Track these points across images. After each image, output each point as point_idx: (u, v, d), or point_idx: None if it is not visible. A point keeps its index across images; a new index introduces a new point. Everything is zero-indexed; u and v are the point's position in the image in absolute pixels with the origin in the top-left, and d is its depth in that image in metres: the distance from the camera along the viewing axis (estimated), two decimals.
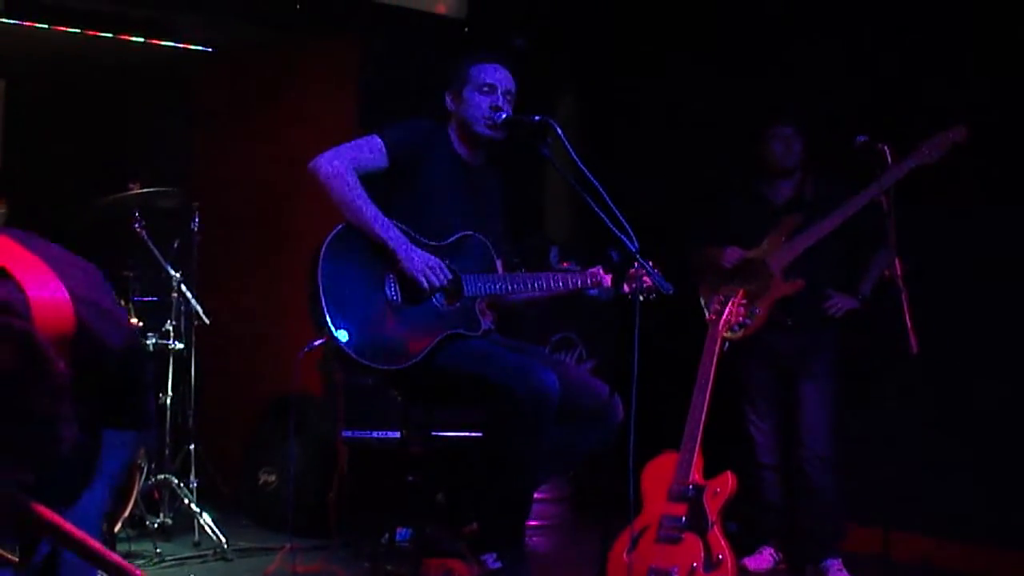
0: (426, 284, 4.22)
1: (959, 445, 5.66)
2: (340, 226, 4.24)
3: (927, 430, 5.66)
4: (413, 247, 4.23)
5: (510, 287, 4.42)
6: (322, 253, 4.15)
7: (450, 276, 4.28)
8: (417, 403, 4.60)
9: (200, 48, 7.51)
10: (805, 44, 6.32)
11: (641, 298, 4.22)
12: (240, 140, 7.50)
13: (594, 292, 4.42)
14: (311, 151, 4.36)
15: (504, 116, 4.42)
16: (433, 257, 4.25)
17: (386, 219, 4.24)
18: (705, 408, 4.78)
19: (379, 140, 4.36)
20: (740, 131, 5.86)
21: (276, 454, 6.33)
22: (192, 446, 6.13)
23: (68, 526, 2.29)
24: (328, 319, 4.07)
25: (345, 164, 4.26)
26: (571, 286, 4.45)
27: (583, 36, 7.40)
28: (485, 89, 4.47)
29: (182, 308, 6.11)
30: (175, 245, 6.17)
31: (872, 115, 5.66)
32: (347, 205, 4.23)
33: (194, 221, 6.18)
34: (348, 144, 4.35)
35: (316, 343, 5.18)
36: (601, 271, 4.46)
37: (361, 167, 4.29)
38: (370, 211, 4.22)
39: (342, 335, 4.09)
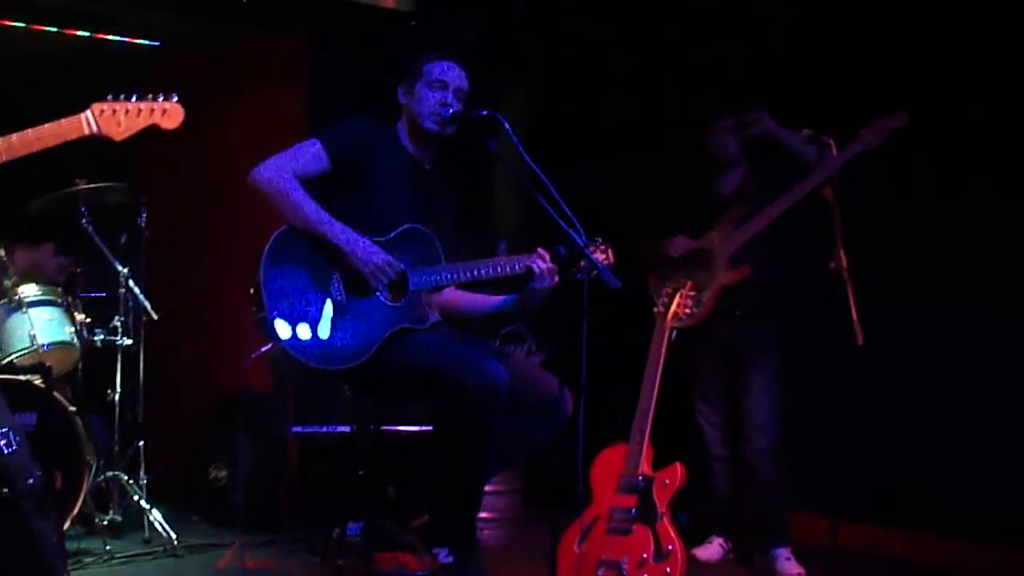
0: (373, 281, 4.21)
1: (905, 435, 5.70)
2: (280, 229, 4.21)
3: (873, 421, 5.70)
4: (358, 240, 4.20)
5: (454, 276, 4.40)
6: (263, 258, 4.12)
7: (398, 269, 4.26)
8: (367, 398, 4.59)
9: (146, 43, 7.44)
10: (752, 37, 6.34)
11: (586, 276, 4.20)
12: (188, 135, 7.42)
13: (539, 284, 4.38)
14: (260, 146, 4.33)
15: (452, 111, 4.41)
16: (380, 250, 4.23)
17: (329, 216, 4.21)
18: (654, 399, 4.78)
19: (318, 143, 4.33)
20: (690, 124, 5.87)
21: (226, 450, 6.30)
22: (141, 442, 6.08)
23: None
24: (273, 324, 4.05)
25: (285, 171, 4.24)
26: (516, 268, 4.42)
27: (531, 30, 7.40)
28: (436, 85, 4.46)
29: (130, 304, 6.06)
30: (123, 240, 6.12)
31: (819, 108, 5.68)
32: (289, 210, 4.20)
33: (142, 217, 6.13)
34: (287, 151, 4.33)
35: (264, 348, 5.16)
36: (543, 250, 4.42)
37: (302, 172, 4.27)
38: (312, 211, 4.20)
39: (288, 339, 4.06)
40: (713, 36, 6.52)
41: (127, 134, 3.94)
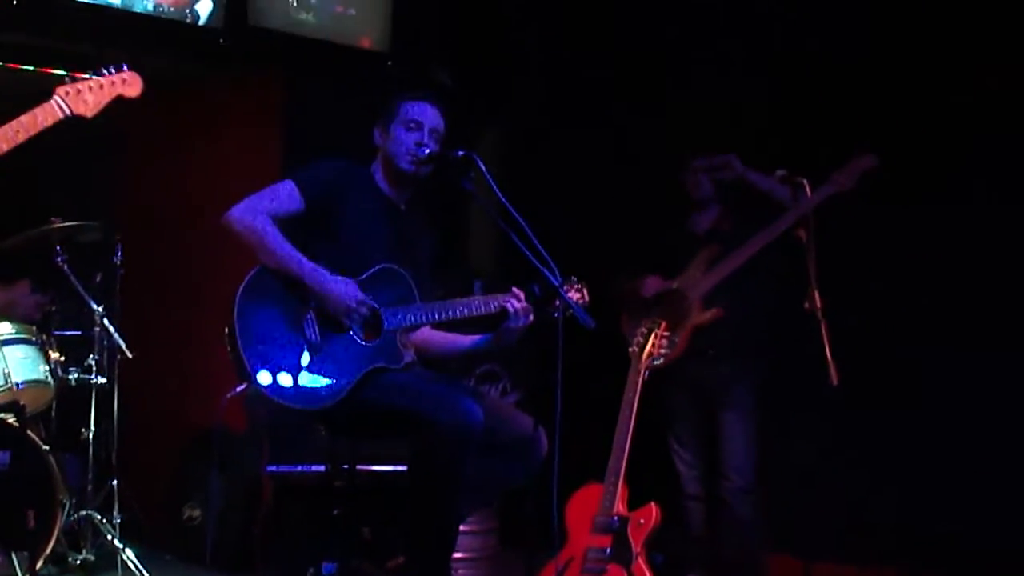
0: (346, 321, 4.20)
1: (879, 473, 5.72)
2: (255, 270, 4.20)
3: (847, 459, 5.71)
4: (331, 279, 4.20)
5: (429, 316, 4.40)
6: (237, 300, 4.10)
7: (372, 309, 4.26)
8: (342, 437, 4.58)
9: None
10: (731, 79, 6.39)
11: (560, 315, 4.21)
12: (164, 174, 7.43)
13: (514, 323, 4.39)
14: (235, 185, 4.34)
15: (428, 151, 4.42)
16: (354, 290, 4.22)
17: (302, 257, 4.21)
18: (629, 439, 4.79)
19: (292, 184, 4.34)
20: (663, 164, 5.90)
21: (200, 489, 6.26)
22: (115, 481, 6.04)
23: None
24: (247, 365, 4.04)
25: (259, 211, 4.24)
26: (491, 308, 4.42)
27: (506, 71, 7.43)
28: (412, 126, 4.47)
29: (105, 342, 6.04)
30: (97, 279, 6.10)
31: (793, 150, 5.72)
32: (263, 250, 4.20)
33: (117, 255, 6.12)
34: (261, 192, 4.32)
35: (239, 388, 5.14)
36: (517, 290, 4.43)
37: (276, 212, 4.27)
38: (286, 251, 4.20)
39: (263, 380, 4.05)
40: (685, 77, 6.57)
41: (97, 109, 4.19)
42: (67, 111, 4.12)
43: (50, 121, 4.07)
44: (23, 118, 4.02)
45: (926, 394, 5.60)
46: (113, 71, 4.24)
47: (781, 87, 6.14)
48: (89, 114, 4.18)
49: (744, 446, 5.48)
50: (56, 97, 4.10)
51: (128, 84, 4.28)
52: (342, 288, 4.20)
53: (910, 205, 5.63)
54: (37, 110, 4.07)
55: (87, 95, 4.14)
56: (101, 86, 4.21)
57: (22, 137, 4.02)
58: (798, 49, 6.11)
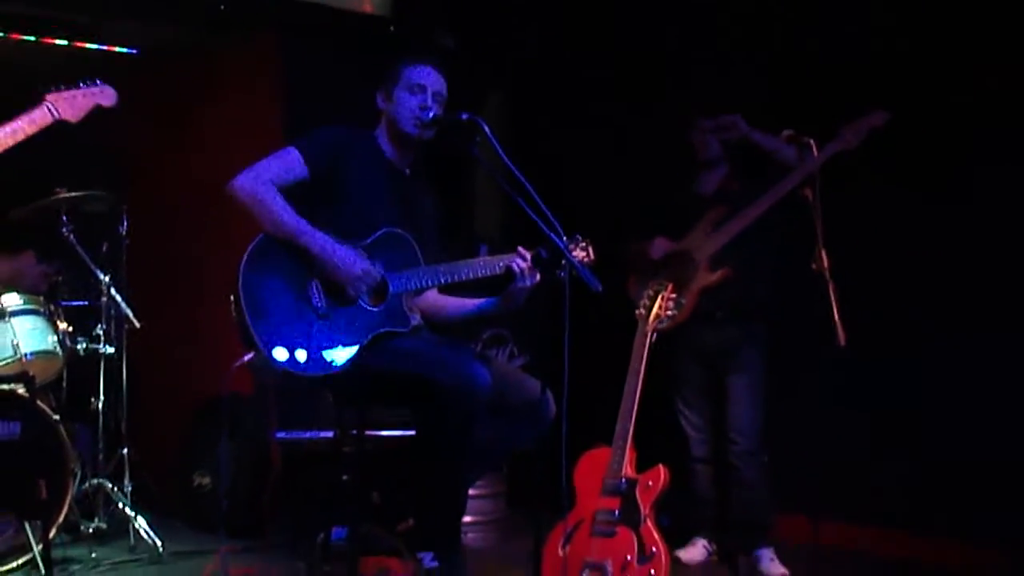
0: (351, 290, 4.20)
1: (886, 434, 5.72)
2: (258, 238, 4.17)
3: (854, 420, 5.71)
4: (336, 246, 4.18)
5: (434, 279, 4.39)
6: (241, 270, 4.07)
7: (377, 277, 4.26)
8: (350, 403, 4.58)
9: (125, 51, 7.42)
10: (735, 37, 6.35)
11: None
12: (168, 142, 7.43)
13: (520, 283, 4.38)
14: (238, 153, 4.33)
15: (432, 115, 4.40)
16: (359, 259, 4.22)
17: (308, 224, 4.19)
18: (636, 402, 4.79)
19: (295, 151, 4.32)
20: (671, 125, 5.88)
21: (209, 456, 6.29)
22: (125, 450, 6.07)
23: None
24: (258, 340, 4.02)
25: (263, 180, 4.22)
26: (496, 269, 4.41)
27: (509, 34, 7.39)
28: (415, 89, 4.45)
29: (112, 312, 6.05)
30: (104, 248, 6.10)
31: (799, 109, 5.69)
32: (267, 218, 4.18)
33: (123, 224, 6.12)
34: (264, 160, 4.30)
35: (246, 357, 5.14)
36: (523, 250, 4.41)
37: (279, 180, 4.25)
38: (289, 219, 4.18)
39: (280, 356, 4.02)
40: (696, 35, 6.53)
41: (80, 115, 4.67)
42: (57, 115, 4.59)
43: (43, 125, 4.55)
44: (18, 123, 4.49)
45: (934, 355, 5.59)
46: (92, 84, 4.73)
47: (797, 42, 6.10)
48: (74, 120, 4.65)
49: (751, 409, 5.49)
50: (47, 103, 4.57)
51: (104, 95, 4.77)
52: (347, 257, 4.18)
53: (920, 163, 5.61)
54: (32, 114, 4.54)
55: (72, 102, 4.64)
56: (84, 95, 4.68)
57: (20, 138, 4.48)
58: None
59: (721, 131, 5.53)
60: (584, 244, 4.54)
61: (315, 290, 4.18)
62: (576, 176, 6.74)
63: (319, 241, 4.18)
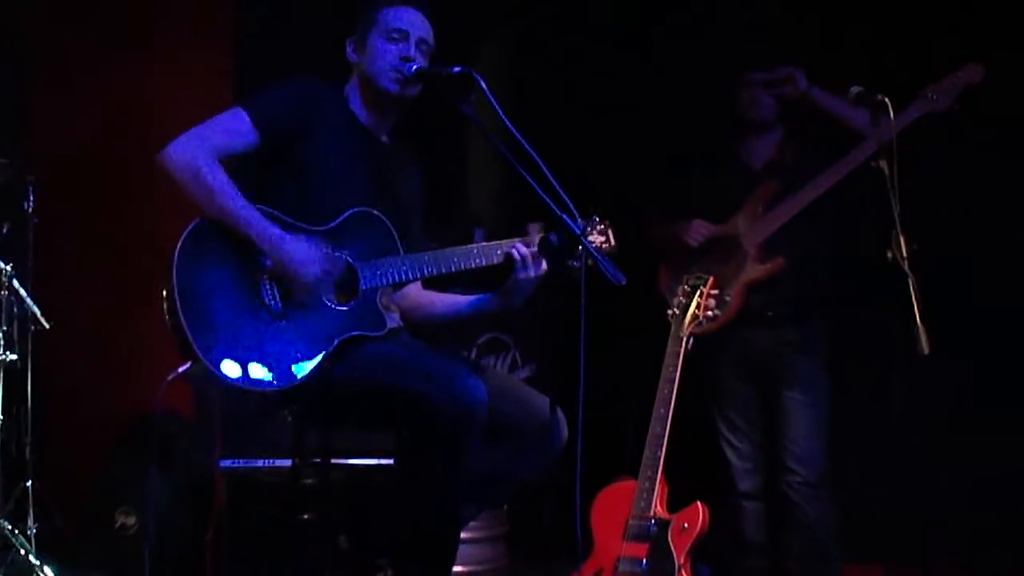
0: (306, 297, 4.16)
1: (981, 464, 5.73)
2: (194, 223, 4.11)
3: (934, 447, 5.71)
4: (285, 237, 4.14)
5: (416, 271, 4.37)
6: (175, 258, 4.01)
7: (340, 271, 4.23)
8: (312, 424, 4.58)
9: None
10: None
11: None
12: (89, 98, 7.40)
13: (522, 274, 4.38)
14: (174, 111, 4.32)
15: (416, 67, 4.39)
16: (317, 255, 4.19)
17: (252, 208, 4.14)
18: (668, 424, 4.80)
19: (244, 113, 4.27)
20: (707, 81, 5.88)
21: (136, 490, 6.27)
22: (29, 483, 6.06)
23: None
24: (192, 339, 3.99)
25: (201, 150, 4.17)
26: (493, 259, 4.41)
27: None
28: (394, 36, 4.42)
29: (15, 309, 6.04)
30: (4, 230, 6.10)
31: (869, 65, 5.69)
32: (205, 199, 4.11)
33: (29, 199, 6.11)
34: (205, 123, 4.26)
35: (182, 369, 5.13)
36: (530, 228, 4.42)
37: (224, 150, 4.22)
38: (231, 200, 4.12)
39: (230, 371, 4.00)
40: None
41: None
42: None
43: None
44: None
45: None
46: None
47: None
48: None
49: (812, 431, 5.48)
50: None
51: None
52: (301, 253, 4.14)
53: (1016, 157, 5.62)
54: None
55: None
56: None
57: None
58: None
59: (776, 86, 5.53)
60: (603, 227, 4.54)
61: (267, 286, 4.16)
62: (592, 142, 6.75)
63: (267, 234, 4.14)
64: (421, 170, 4.73)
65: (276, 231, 4.15)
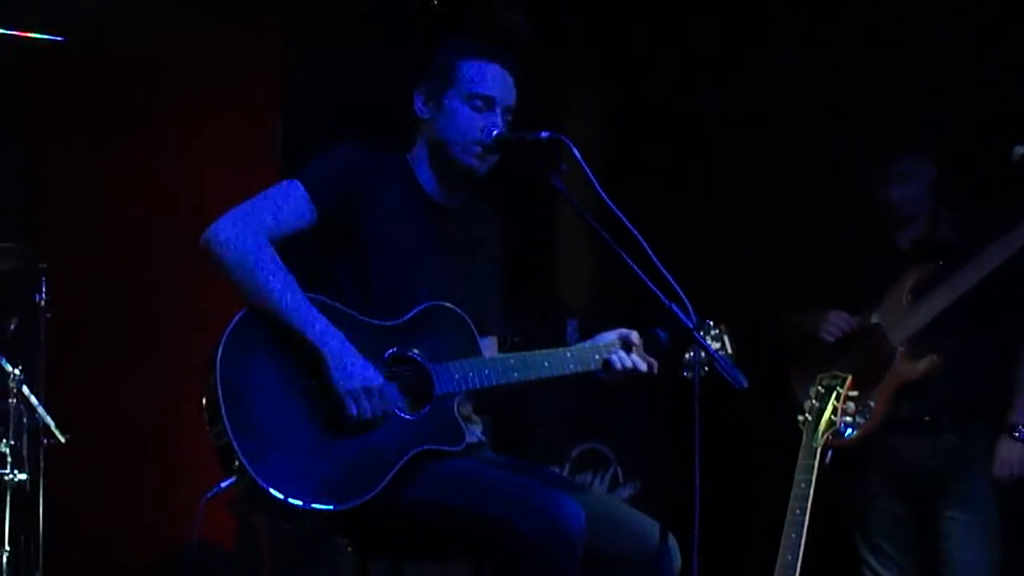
0: (354, 410, 4.14)
1: None
2: (240, 313, 4.10)
3: None
4: (345, 351, 4.11)
5: (500, 376, 4.35)
6: (219, 353, 4.01)
7: (386, 405, 4.17)
8: (375, 555, 4.57)
9: (47, 38, 7.52)
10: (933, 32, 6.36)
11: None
12: (109, 173, 7.50)
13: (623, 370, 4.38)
14: (213, 183, 4.33)
15: (496, 133, 4.35)
16: (374, 372, 4.14)
17: (311, 305, 4.12)
18: (801, 550, 4.76)
19: (300, 187, 4.25)
20: (839, 147, 5.88)
21: None
22: None
23: None
24: (238, 450, 3.98)
25: (250, 230, 4.15)
26: (591, 365, 4.41)
27: (607, 12, 7.44)
28: (478, 104, 4.40)
29: (24, 420, 6.07)
30: (11, 326, 6.15)
31: None
32: (253, 288, 4.10)
33: (41, 290, 6.16)
34: (255, 199, 4.25)
35: (224, 484, 5.13)
36: (628, 333, 4.41)
37: (279, 231, 4.19)
38: (287, 293, 4.11)
39: (260, 469, 4.02)
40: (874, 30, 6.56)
41: None
42: None
43: None
44: None
45: None
46: None
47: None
48: None
49: (980, 557, 5.43)
50: None
51: None
52: (355, 367, 4.10)
53: None
54: None
55: None
56: None
57: None
58: None
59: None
60: (718, 331, 4.53)
61: (325, 391, 4.15)
62: (704, 222, 6.74)
63: (327, 334, 4.13)
64: (501, 237, 4.71)
65: (336, 341, 4.11)
